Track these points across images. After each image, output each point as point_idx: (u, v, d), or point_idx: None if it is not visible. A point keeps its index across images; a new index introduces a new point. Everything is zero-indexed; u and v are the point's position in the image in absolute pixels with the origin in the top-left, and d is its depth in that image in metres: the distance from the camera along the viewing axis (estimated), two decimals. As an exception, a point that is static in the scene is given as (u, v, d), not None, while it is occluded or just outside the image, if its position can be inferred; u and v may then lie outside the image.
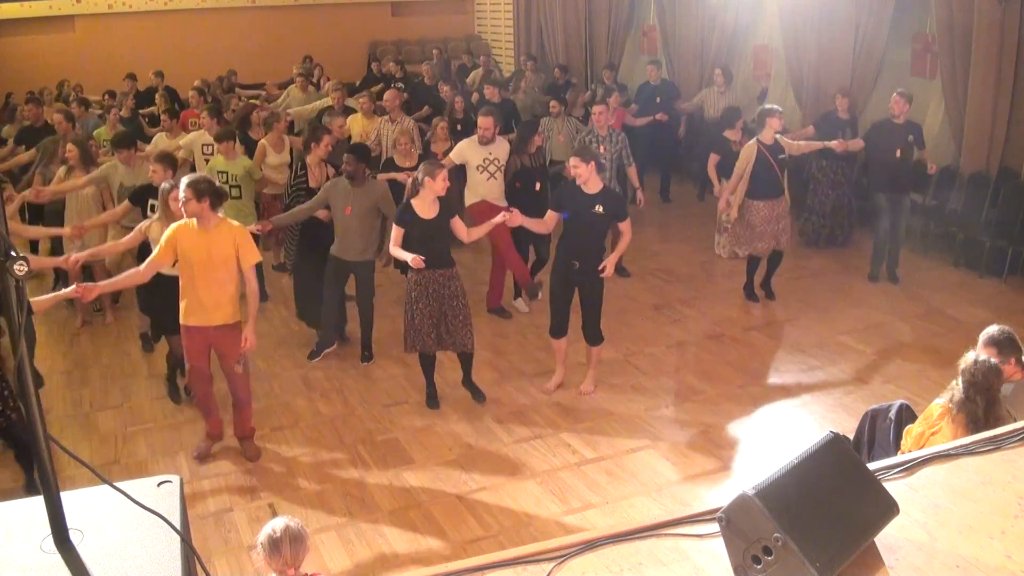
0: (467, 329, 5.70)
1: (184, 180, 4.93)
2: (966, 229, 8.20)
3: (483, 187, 7.18)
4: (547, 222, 5.82)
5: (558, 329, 5.98)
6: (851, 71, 9.40)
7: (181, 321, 5.10)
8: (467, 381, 6.02)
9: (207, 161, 7.79)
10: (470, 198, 7.28)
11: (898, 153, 7.65)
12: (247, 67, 14.32)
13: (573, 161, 5.63)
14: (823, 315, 7.32)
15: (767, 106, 7.53)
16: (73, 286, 4.82)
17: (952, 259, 8.33)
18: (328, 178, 6.79)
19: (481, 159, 7.14)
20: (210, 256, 4.92)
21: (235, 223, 5.12)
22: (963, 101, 8.24)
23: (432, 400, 5.96)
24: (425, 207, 5.55)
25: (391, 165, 7.61)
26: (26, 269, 1.73)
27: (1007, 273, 7.81)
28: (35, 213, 8.18)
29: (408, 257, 5.40)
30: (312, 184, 6.81)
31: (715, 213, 8.73)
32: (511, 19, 16.21)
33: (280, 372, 6.55)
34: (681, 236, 9.61)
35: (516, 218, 5.65)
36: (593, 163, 5.61)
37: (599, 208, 5.61)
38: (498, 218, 5.72)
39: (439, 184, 5.50)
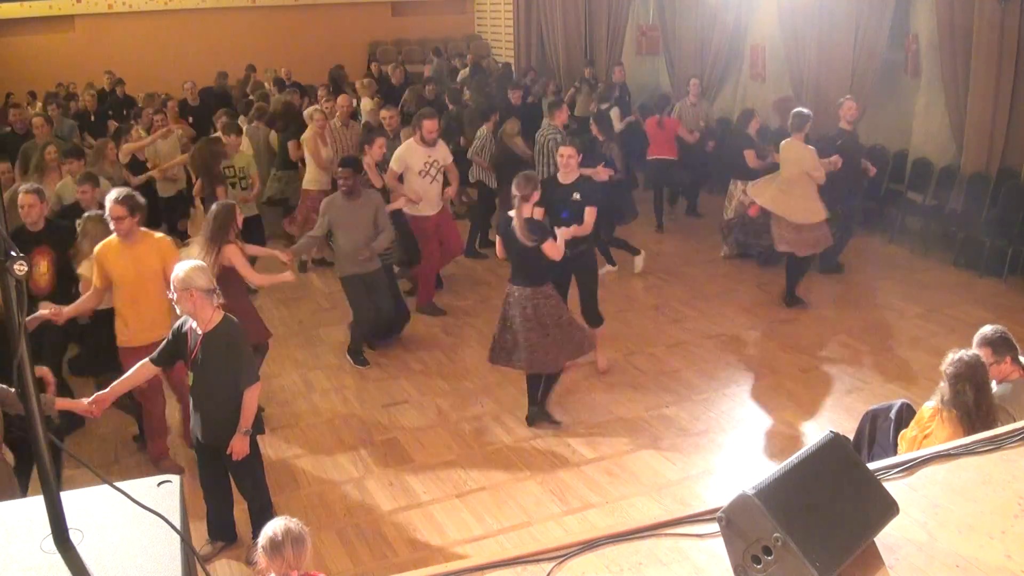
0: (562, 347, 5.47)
1: (113, 196, 4.81)
2: (966, 229, 8.19)
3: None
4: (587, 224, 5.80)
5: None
6: (851, 71, 9.39)
7: (122, 344, 4.94)
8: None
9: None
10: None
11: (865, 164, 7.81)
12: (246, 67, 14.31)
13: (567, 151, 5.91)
14: (823, 315, 7.32)
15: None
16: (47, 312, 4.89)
17: (952, 259, 8.32)
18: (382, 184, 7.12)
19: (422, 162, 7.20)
20: (138, 272, 4.85)
21: (158, 235, 5.08)
22: (963, 101, 8.24)
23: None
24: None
25: None
26: (26, 269, 1.72)
27: (1007, 273, 7.80)
28: None
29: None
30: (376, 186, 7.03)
31: (717, 214, 8.69)
32: (511, 19, 16.20)
33: (280, 372, 6.55)
34: (681, 236, 9.61)
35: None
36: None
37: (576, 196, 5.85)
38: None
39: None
